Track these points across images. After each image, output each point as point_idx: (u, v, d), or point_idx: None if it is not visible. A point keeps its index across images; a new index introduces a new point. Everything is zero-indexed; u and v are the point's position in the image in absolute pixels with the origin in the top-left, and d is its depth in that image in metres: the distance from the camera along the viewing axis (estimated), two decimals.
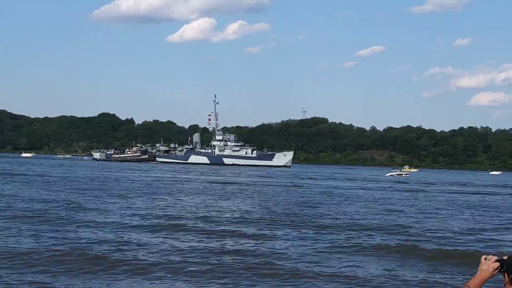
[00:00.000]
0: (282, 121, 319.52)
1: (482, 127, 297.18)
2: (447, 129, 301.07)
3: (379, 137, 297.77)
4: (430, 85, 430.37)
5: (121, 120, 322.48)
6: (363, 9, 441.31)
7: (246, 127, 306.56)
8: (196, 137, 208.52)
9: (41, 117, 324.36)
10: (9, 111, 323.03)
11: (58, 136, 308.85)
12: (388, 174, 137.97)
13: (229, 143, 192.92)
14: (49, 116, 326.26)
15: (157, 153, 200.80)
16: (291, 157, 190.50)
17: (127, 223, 30.06)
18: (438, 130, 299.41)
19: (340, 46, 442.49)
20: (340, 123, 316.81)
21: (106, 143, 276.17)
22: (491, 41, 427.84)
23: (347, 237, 27.52)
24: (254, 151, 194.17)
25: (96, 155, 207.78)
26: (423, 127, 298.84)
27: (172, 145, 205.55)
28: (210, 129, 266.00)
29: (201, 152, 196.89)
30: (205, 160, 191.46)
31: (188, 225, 30.31)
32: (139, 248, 22.81)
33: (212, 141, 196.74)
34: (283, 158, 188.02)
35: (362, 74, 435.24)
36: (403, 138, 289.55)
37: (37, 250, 21.20)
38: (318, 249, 23.85)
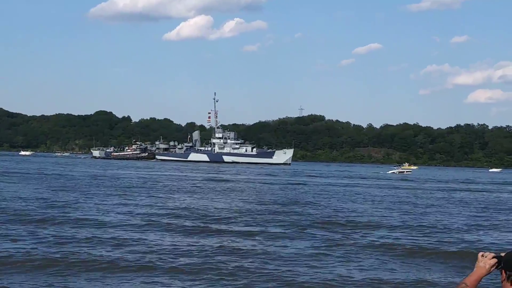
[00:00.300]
0: (279, 118, 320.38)
1: (479, 124, 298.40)
2: (444, 127, 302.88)
3: (376, 135, 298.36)
4: (427, 82, 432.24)
5: (118, 118, 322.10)
6: (360, 7, 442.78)
7: (243, 124, 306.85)
8: (195, 135, 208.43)
9: (37, 115, 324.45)
10: (6, 109, 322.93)
11: (55, 134, 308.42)
12: (390, 172, 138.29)
13: (229, 140, 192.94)
14: (45, 114, 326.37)
15: (156, 151, 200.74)
16: (291, 155, 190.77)
17: (125, 222, 29.71)
18: (435, 127, 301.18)
19: (337, 44, 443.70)
20: (337, 120, 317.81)
21: (103, 141, 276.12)
22: (488, 38, 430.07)
23: (381, 236, 27.50)
24: (254, 149, 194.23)
25: (96, 153, 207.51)
26: (420, 125, 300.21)
27: (171, 143, 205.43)
28: (208, 127, 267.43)
29: (201, 150, 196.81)
30: (205, 158, 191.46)
31: (184, 223, 30.10)
32: (134, 247, 22.52)
33: (212, 139, 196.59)
34: (283, 155, 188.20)
35: (359, 72, 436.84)
36: (400, 136, 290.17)
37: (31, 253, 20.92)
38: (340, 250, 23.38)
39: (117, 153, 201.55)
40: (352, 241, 25.37)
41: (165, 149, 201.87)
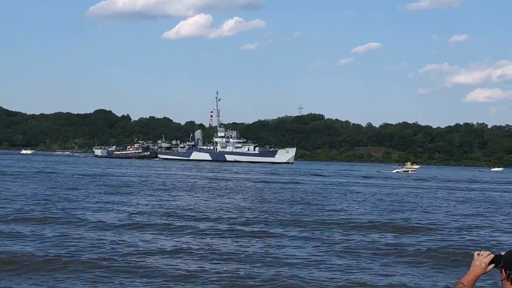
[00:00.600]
0: (278, 117, 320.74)
1: (478, 123, 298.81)
2: (443, 126, 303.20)
3: (375, 134, 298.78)
4: (426, 81, 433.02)
5: (117, 116, 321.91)
6: (359, 6, 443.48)
7: (242, 123, 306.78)
8: (198, 133, 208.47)
9: (37, 114, 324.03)
10: (5, 108, 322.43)
11: (54, 132, 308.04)
12: (394, 171, 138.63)
13: (231, 139, 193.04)
14: (45, 112, 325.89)
15: (158, 150, 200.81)
16: (294, 154, 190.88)
17: (125, 223, 29.48)
18: (434, 126, 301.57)
19: (336, 43, 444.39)
20: (336, 119, 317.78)
21: (102, 139, 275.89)
22: (488, 38, 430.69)
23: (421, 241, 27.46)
24: (256, 148, 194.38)
25: (98, 152, 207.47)
26: (419, 124, 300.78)
27: (173, 142, 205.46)
28: (208, 126, 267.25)
29: (203, 149, 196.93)
30: (207, 156, 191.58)
31: (186, 223, 29.86)
32: (133, 249, 22.13)
33: (214, 138, 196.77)
34: (285, 154, 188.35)
35: (358, 71, 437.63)
36: (399, 135, 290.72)
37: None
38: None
39: (119, 152, 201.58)
40: (371, 244, 24.82)
41: (167, 148, 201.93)
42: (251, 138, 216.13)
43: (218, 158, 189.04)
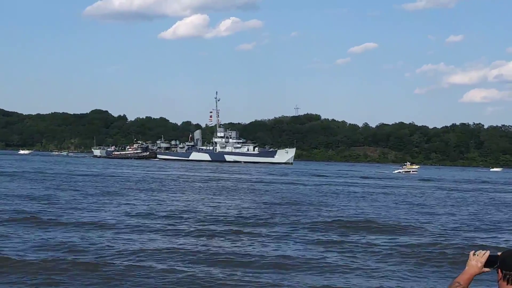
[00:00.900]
0: (274, 117, 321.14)
1: (474, 123, 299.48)
2: (439, 126, 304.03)
3: (371, 134, 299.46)
4: (423, 81, 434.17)
5: (113, 116, 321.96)
6: (356, 6, 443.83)
7: (239, 123, 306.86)
8: (197, 134, 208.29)
9: (33, 114, 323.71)
10: (1, 108, 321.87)
11: (50, 133, 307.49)
12: (395, 171, 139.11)
13: (230, 140, 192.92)
14: (41, 112, 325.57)
15: (158, 150, 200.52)
16: (293, 154, 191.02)
17: (120, 224, 29.01)
18: (431, 126, 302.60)
19: (332, 43, 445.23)
20: (333, 119, 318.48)
21: (98, 140, 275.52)
22: (484, 37, 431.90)
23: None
24: (256, 148, 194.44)
25: (97, 152, 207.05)
26: (416, 124, 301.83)
27: (173, 142, 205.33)
28: (204, 126, 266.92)
29: (202, 149, 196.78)
30: (206, 157, 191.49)
31: (184, 225, 29.30)
32: (126, 251, 21.56)
33: (213, 138, 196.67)
34: (285, 155, 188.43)
35: (355, 71, 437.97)
36: (395, 135, 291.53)
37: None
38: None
39: (118, 152, 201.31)
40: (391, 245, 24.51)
41: (167, 148, 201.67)
42: (247, 138, 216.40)
43: (218, 158, 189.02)
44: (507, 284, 4.84)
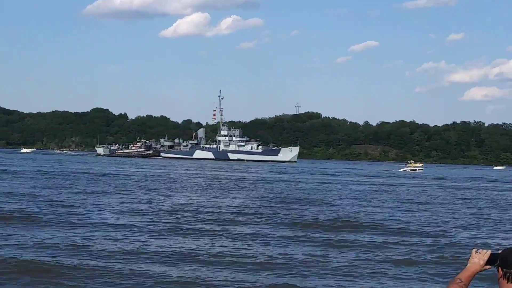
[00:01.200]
0: (275, 116, 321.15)
1: (475, 121, 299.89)
2: (440, 124, 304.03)
3: (372, 132, 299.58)
4: (423, 80, 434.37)
5: (114, 115, 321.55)
6: (357, 4, 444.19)
7: (239, 122, 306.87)
8: (200, 132, 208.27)
9: (34, 112, 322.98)
10: (2, 106, 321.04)
11: (51, 131, 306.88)
12: (401, 170, 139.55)
13: (234, 138, 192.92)
14: (42, 111, 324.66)
15: (161, 149, 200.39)
16: (297, 153, 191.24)
17: (119, 223, 29.15)
18: (431, 124, 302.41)
19: (333, 41, 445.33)
20: (334, 118, 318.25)
21: (99, 138, 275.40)
22: (485, 36, 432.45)
23: None
24: (260, 146, 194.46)
25: (100, 150, 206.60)
26: (416, 122, 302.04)
27: (176, 141, 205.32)
28: (204, 124, 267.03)
29: (206, 147, 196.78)
30: (210, 155, 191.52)
31: (187, 224, 28.96)
32: (124, 251, 21.32)
33: (217, 136, 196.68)
34: (288, 153, 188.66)
35: (355, 69, 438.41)
36: (396, 133, 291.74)
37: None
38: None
39: (122, 151, 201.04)
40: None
41: (170, 147, 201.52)
42: (248, 137, 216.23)
43: (221, 156, 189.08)
44: (507, 282, 4.85)
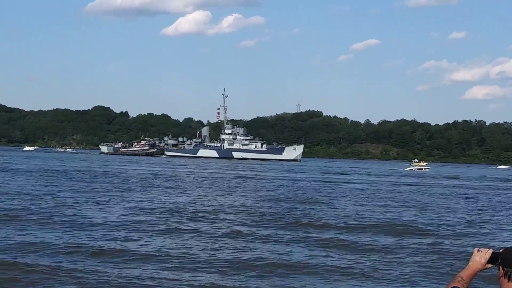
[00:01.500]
0: (276, 114, 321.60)
1: (476, 120, 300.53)
2: (441, 123, 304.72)
3: (373, 131, 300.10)
4: (425, 78, 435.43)
5: (115, 113, 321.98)
6: (358, 2, 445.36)
7: (240, 120, 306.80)
8: (205, 130, 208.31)
9: (35, 110, 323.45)
10: (3, 104, 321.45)
11: (52, 129, 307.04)
12: (407, 169, 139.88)
13: (238, 136, 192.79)
14: (43, 109, 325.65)
15: (165, 147, 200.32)
16: (301, 151, 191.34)
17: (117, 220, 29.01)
18: (433, 123, 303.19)
19: (335, 40, 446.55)
20: (335, 116, 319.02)
21: (100, 136, 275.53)
22: (486, 34, 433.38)
23: None
24: (264, 145, 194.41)
25: (104, 148, 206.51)
26: (418, 121, 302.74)
27: (180, 139, 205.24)
28: (205, 122, 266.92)
29: (210, 146, 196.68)
30: (214, 154, 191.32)
31: (190, 224, 28.49)
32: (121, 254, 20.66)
33: (221, 135, 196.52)
34: (293, 152, 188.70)
35: (357, 68, 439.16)
36: (397, 132, 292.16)
37: None
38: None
39: (126, 149, 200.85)
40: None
41: (174, 145, 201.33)
42: (249, 135, 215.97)
43: (225, 155, 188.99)
44: (508, 281, 4.83)
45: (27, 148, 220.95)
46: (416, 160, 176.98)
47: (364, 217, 33.90)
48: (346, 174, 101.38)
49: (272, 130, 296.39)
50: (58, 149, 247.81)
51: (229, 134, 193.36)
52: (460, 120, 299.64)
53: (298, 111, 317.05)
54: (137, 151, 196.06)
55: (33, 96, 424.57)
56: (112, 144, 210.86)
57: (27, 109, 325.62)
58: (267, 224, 29.62)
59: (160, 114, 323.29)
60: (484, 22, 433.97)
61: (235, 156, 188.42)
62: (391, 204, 42.96)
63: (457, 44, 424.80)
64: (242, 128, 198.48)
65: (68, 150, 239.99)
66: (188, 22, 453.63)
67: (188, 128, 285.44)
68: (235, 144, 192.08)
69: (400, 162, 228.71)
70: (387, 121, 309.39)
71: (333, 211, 37.00)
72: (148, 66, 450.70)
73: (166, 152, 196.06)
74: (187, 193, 47.47)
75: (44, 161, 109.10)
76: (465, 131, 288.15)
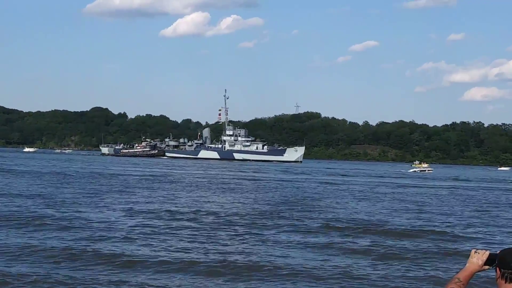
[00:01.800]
0: (275, 115, 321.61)
1: (474, 122, 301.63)
2: (439, 124, 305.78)
3: (372, 132, 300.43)
4: (423, 80, 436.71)
5: (113, 114, 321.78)
6: (357, 4, 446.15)
7: (239, 121, 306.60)
8: (205, 132, 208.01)
9: (33, 111, 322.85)
10: (1, 105, 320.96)
11: (50, 130, 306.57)
12: (411, 170, 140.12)
13: (239, 138, 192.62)
14: (41, 110, 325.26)
15: (166, 148, 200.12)
16: (303, 153, 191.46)
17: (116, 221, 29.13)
18: (431, 125, 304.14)
19: (333, 41, 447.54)
20: (333, 117, 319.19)
21: (98, 137, 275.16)
22: (485, 36, 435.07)
23: None
24: (265, 146, 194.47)
25: (105, 150, 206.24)
26: (416, 122, 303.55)
27: (181, 140, 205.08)
28: (203, 123, 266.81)
29: (211, 147, 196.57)
30: (215, 155, 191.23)
31: (191, 226, 28.32)
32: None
33: (222, 136, 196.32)
34: (294, 153, 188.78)
35: (355, 69, 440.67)
36: (395, 133, 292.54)
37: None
38: None
39: (127, 150, 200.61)
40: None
41: (175, 146, 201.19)
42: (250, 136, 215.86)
43: (226, 156, 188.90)
44: (505, 282, 4.86)
45: (27, 149, 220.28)
46: (417, 162, 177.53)
47: (370, 219, 33.93)
48: (352, 175, 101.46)
49: (270, 131, 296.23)
50: (57, 150, 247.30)
51: (230, 135, 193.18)
52: (458, 122, 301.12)
53: (297, 112, 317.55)
54: (138, 153, 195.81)
55: (31, 97, 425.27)
56: (113, 146, 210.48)
57: (25, 110, 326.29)
58: (270, 224, 29.65)
59: (158, 115, 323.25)
60: (483, 23, 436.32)
61: (236, 158, 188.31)
62: (395, 207, 42.64)
63: (456, 45, 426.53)
64: (243, 130, 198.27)
65: (67, 151, 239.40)
66: (186, 23, 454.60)
67: (187, 129, 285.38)
68: (236, 146, 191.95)
69: (398, 164, 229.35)
70: (385, 122, 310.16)
71: (343, 210, 37.57)
72: (147, 67, 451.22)
73: (167, 154, 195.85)
74: (189, 195, 47.47)
75: (48, 162, 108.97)
76: (464, 132, 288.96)
